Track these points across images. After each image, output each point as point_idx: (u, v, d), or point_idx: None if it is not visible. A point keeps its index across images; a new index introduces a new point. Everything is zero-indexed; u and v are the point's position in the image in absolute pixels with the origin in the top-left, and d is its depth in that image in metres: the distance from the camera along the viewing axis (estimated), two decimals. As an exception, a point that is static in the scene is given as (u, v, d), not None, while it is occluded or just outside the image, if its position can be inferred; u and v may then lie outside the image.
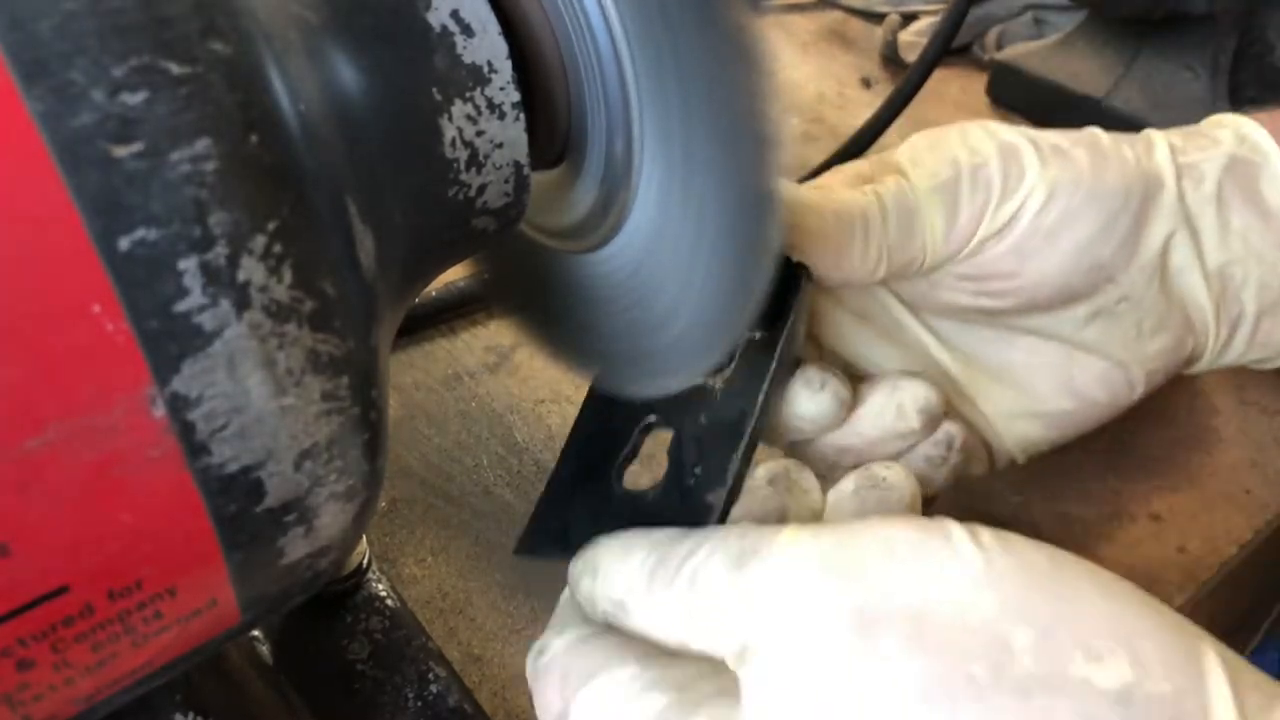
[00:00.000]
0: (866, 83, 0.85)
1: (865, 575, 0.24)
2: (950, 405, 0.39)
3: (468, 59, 0.27)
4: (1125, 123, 0.73)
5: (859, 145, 0.63)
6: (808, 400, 0.34)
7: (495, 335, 0.58)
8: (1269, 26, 0.75)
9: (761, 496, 0.33)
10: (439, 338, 0.58)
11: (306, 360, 0.22)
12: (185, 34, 0.20)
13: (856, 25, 0.93)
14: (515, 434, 0.52)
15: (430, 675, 0.39)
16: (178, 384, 0.20)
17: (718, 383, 0.33)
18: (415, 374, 0.56)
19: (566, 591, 0.33)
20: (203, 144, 0.20)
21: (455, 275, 0.59)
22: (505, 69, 0.27)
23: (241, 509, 0.22)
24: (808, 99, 0.82)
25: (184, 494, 0.21)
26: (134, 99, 0.19)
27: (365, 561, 0.42)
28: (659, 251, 0.30)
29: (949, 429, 0.37)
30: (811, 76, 0.86)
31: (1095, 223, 0.37)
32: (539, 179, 0.32)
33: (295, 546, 0.24)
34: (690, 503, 0.31)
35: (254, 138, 0.21)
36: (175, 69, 0.19)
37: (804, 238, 0.34)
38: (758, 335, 0.33)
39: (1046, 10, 0.88)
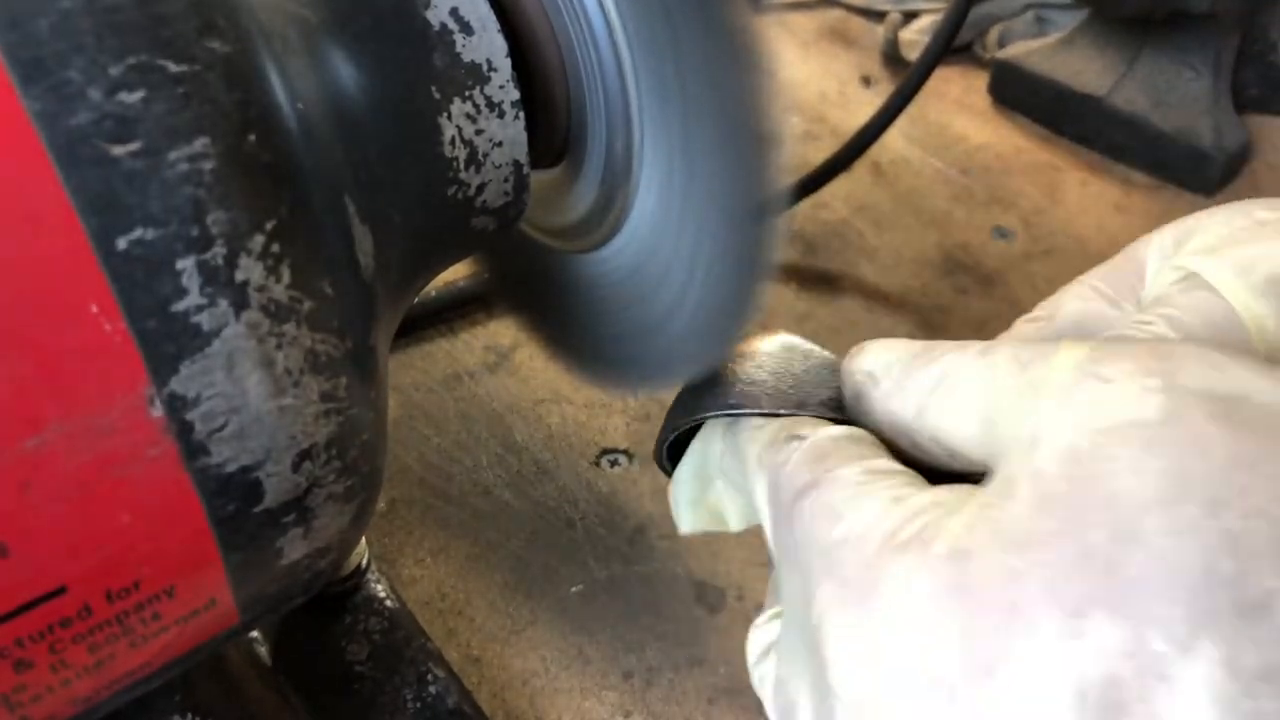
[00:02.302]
0: (867, 81, 0.85)
1: (1163, 364, 0.21)
2: None
3: (467, 57, 0.27)
4: (1126, 122, 0.73)
5: (860, 145, 0.63)
6: None
7: (495, 335, 0.58)
8: (1271, 25, 0.74)
9: None
10: (439, 338, 0.58)
11: (305, 360, 0.22)
12: (183, 32, 0.20)
13: (857, 24, 0.93)
14: (515, 434, 0.52)
15: (429, 676, 0.39)
16: (176, 384, 0.20)
17: None
18: (415, 374, 0.56)
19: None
20: (201, 143, 0.20)
21: (455, 275, 0.59)
22: (505, 67, 0.27)
23: (240, 509, 0.22)
24: (809, 98, 0.82)
25: (182, 494, 0.21)
26: (131, 98, 0.19)
27: (364, 562, 0.42)
28: (659, 251, 0.30)
29: None
30: (812, 75, 0.86)
31: None
32: (539, 178, 0.31)
33: (294, 547, 0.24)
34: None
35: (252, 137, 0.21)
36: (173, 67, 0.19)
37: None
38: None
39: (1048, 9, 0.88)
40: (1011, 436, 0.23)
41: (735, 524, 0.31)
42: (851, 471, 0.24)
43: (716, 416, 0.29)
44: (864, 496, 0.23)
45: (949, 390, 0.24)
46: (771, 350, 0.31)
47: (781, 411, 0.28)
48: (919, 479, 0.24)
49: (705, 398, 0.30)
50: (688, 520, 0.31)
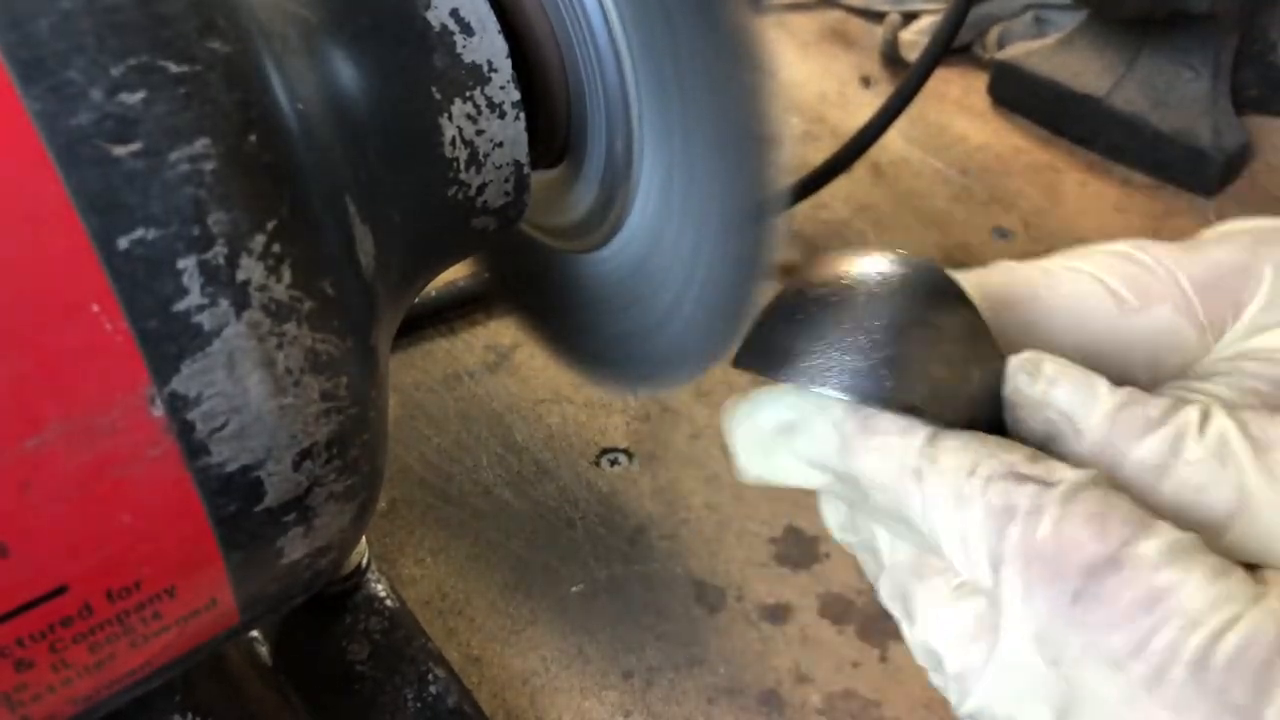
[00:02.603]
0: (867, 82, 0.85)
1: None
2: None
3: (467, 58, 0.27)
4: (1126, 122, 0.73)
5: (859, 145, 0.63)
6: None
7: (495, 335, 0.58)
8: (1270, 25, 0.74)
9: None
10: (439, 338, 0.58)
11: (306, 360, 0.22)
12: (183, 33, 0.20)
13: (857, 24, 0.92)
14: (515, 434, 0.52)
15: (430, 676, 0.39)
16: (177, 383, 0.20)
17: None
18: (415, 374, 0.56)
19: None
20: (201, 143, 0.20)
21: (455, 275, 0.59)
22: (505, 68, 0.27)
23: (240, 509, 0.22)
24: (808, 98, 0.82)
25: (183, 494, 0.21)
26: (132, 98, 0.19)
27: (365, 562, 0.42)
28: (659, 250, 0.30)
29: None
30: (812, 76, 0.86)
31: None
32: (539, 178, 0.31)
33: (294, 546, 0.24)
34: None
35: (253, 137, 0.21)
36: (174, 68, 0.19)
37: None
38: None
39: (1047, 9, 0.88)
40: None
41: (802, 482, 0.26)
42: (1155, 548, 0.20)
43: (846, 400, 0.23)
44: (1202, 587, 0.20)
45: (1200, 464, 0.21)
46: (908, 294, 0.24)
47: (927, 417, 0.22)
48: (1224, 560, 0.20)
49: (822, 351, 0.24)
50: (757, 467, 0.27)
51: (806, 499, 0.49)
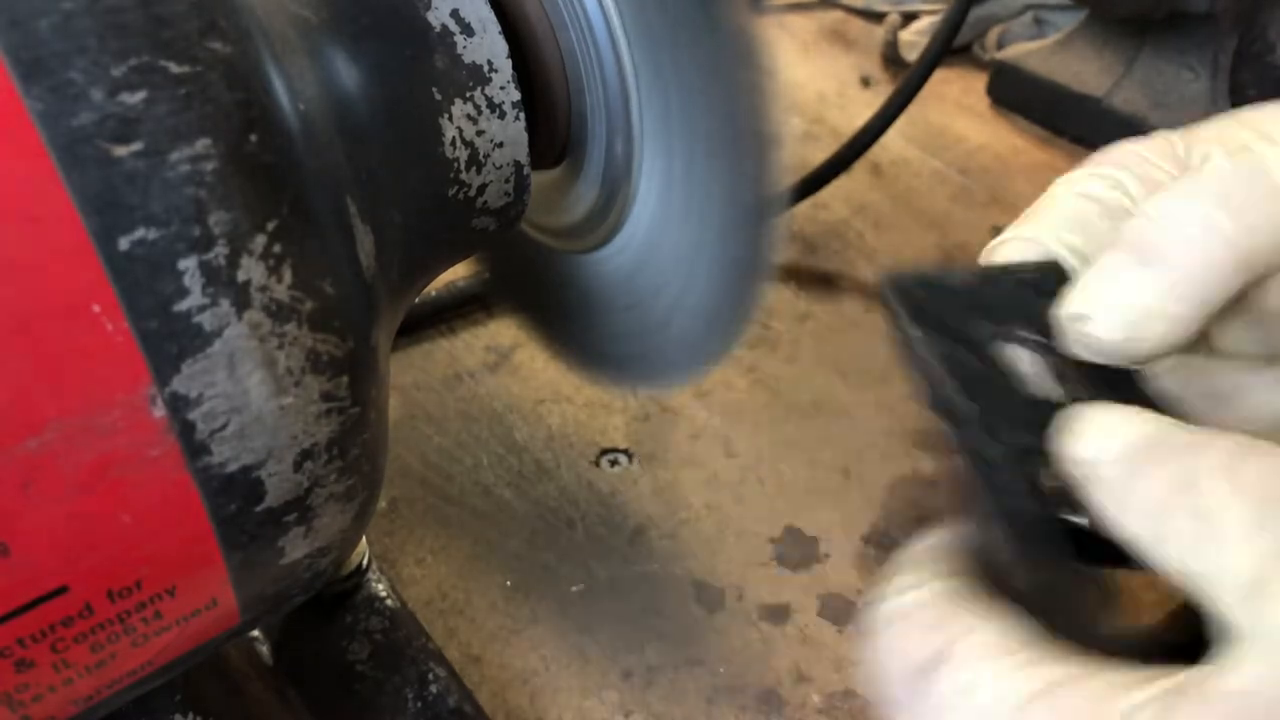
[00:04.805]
0: (866, 82, 0.85)
1: None
2: None
3: (468, 58, 0.27)
4: (1125, 122, 0.73)
5: (859, 145, 0.63)
6: None
7: (495, 335, 0.58)
8: (1270, 26, 0.74)
9: None
10: (439, 338, 0.58)
11: (306, 360, 0.22)
12: (184, 33, 0.20)
13: (857, 25, 0.93)
14: (515, 434, 0.52)
15: (430, 676, 0.39)
16: (177, 384, 0.20)
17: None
18: (415, 374, 0.56)
19: (920, 543, 0.24)
20: (202, 144, 0.20)
21: (455, 275, 0.59)
22: (505, 68, 0.27)
23: (241, 509, 0.22)
24: (808, 99, 0.82)
25: (184, 494, 0.21)
26: (133, 98, 0.19)
27: (365, 561, 0.42)
28: (660, 251, 0.30)
29: None
30: (812, 76, 0.86)
31: None
32: (539, 179, 0.32)
33: (295, 546, 0.24)
34: None
35: (253, 137, 0.21)
36: (174, 68, 0.19)
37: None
38: None
39: (1047, 10, 0.88)
40: (1228, 578, 0.18)
41: None
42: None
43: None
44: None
45: (1197, 513, 0.19)
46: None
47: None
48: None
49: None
50: None
51: (806, 499, 0.49)
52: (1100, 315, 0.24)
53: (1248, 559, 0.18)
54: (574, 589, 0.45)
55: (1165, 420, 0.21)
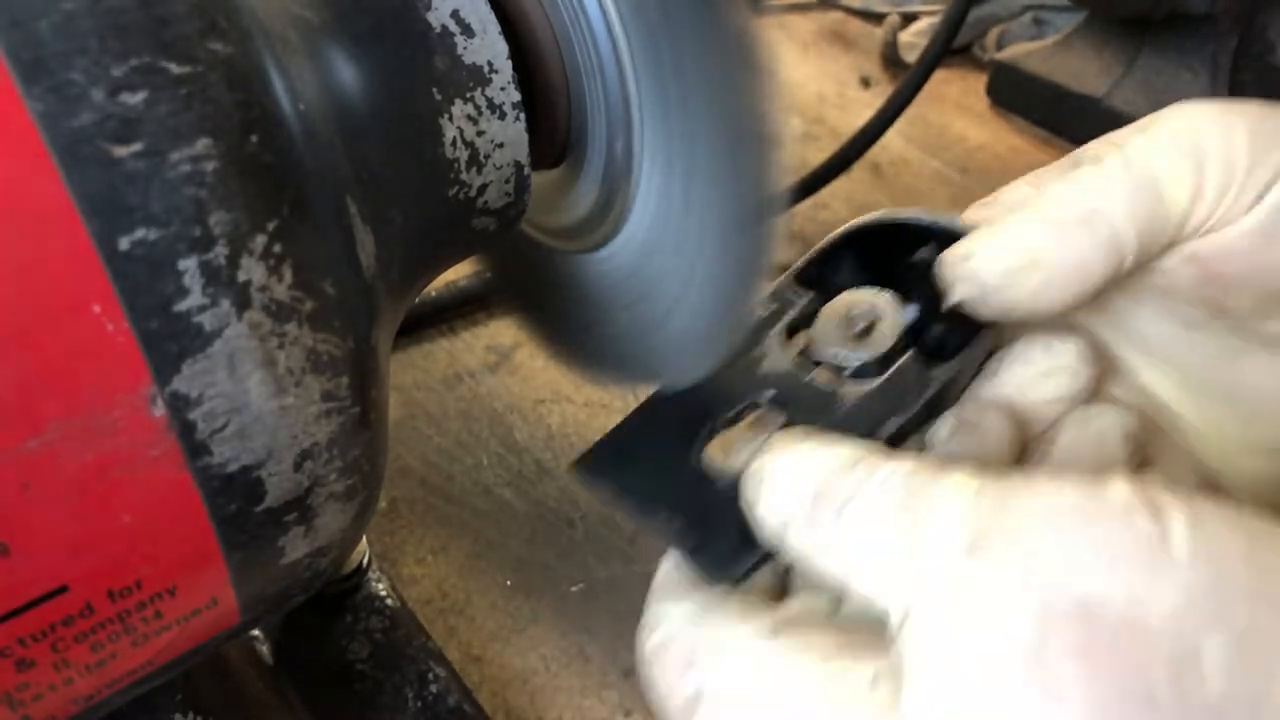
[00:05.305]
0: (866, 83, 0.85)
1: (1027, 553, 0.20)
2: (1155, 436, 0.31)
3: (468, 59, 0.27)
4: (1125, 122, 0.73)
5: (859, 145, 0.63)
6: None
7: (495, 335, 0.58)
8: (1269, 26, 0.74)
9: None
10: (439, 338, 0.58)
11: (306, 360, 0.22)
12: (185, 34, 0.20)
13: (856, 26, 0.93)
14: (515, 433, 0.52)
15: (430, 675, 0.39)
16: (178, 383, 0.20)
17: (847, 392, 0.29)
18: (415, 374, 0.56)
19: (669, 560, 0.28)
20: (202, 144, 0.20)
21: (455, 275, 0.59)
22: (505, 69, 0.27)
23: (241, 509, 0.22)
24: (808, 99, 0.82)
25: (184, 494, 0.21)
26: (134, 99, 0.19)
27: (365, 561, 0.42)
28: (660, 250, 0.30)
29: None
30: (812, 77, 0.86)
31: None
32: (539, 179, 0.32)
33: (295, 546, 0.24)
34: None
35: (254, 138, 0.21)
36: (175, 69, 0.19)
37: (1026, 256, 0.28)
38: (917, 361, 0.29)
39: (1046, 10, 0.88)
40: (890, 600, 0.22)
41: None
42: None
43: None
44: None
45: (854, 551, 0.23)
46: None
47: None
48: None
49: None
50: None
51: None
52: (982, 254, 0.28)
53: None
54: (574, 589, 0.45)
55: (829, 465, 0.25)
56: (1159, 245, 0.28)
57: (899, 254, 0.32)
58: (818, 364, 0.31)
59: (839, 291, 0.32)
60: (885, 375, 0.29)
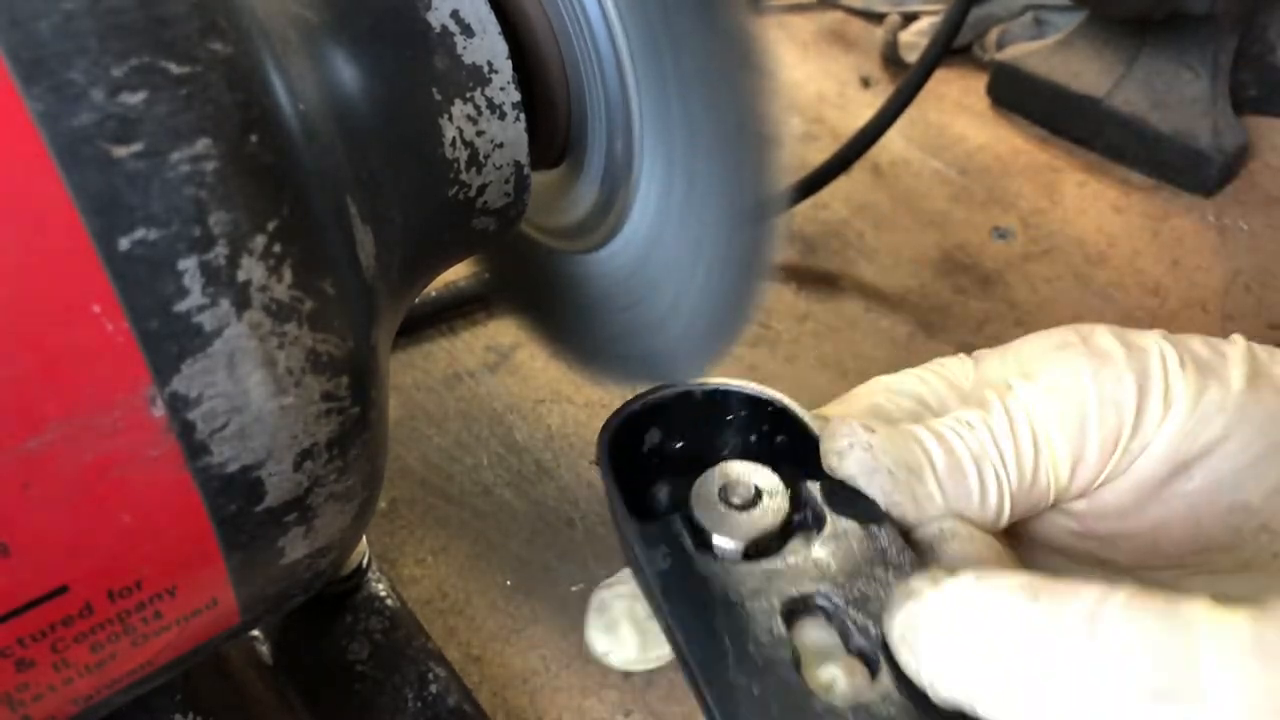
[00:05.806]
0: (866, 83, 0.85)
1: None
2: None
3: (468, 59, 0.27)
4: (1125, 123, 0.73)
5: (859, 145, 0.63)
6: None
7: (495, 335, 0.58)
8: (1270, 26, 0.75)
9: None
10: (439, 338, 0.58)
11: (306, 360, 0.22)
12: (185, 34, 0.20)
13: (857, 25, 0.93)
14: (515, 434, 0.52)
15: (430, 675, 0.39)
16: (178, 384, 0.20)
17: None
18: (415, 374, 0.56)
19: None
20: (202, 144, 0.20)
21: (456, 275, 0.59)
22: (505, 69, 0.27)
23: (241, 509, 0.22)
24: (808, 99, 0.82)
25: (184, 494, 0.21)
26: (134, 99, 0.19)
27: (365, 561, 0.42)
28: (659, 251, 0.30)
29: None
30: (812, 77, 0.86)
31: (1245, 455, 0.28)
32: (539, 179, 0.32)
33: (295, 546, 0.24)
34: None
35: (254, 137, 0.21)
36: (175, 69, 0.19)
37: (910, 481, 0.28)
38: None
39: (1047, 10, 0.88)
40: None
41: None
42: None
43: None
44: None
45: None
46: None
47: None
48: None
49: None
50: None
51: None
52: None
53: None
54: (574, 589, 0.45)
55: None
56: (1039, 505, 0.29)
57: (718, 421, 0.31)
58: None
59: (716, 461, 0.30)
60: (828, 548, 0.27)
